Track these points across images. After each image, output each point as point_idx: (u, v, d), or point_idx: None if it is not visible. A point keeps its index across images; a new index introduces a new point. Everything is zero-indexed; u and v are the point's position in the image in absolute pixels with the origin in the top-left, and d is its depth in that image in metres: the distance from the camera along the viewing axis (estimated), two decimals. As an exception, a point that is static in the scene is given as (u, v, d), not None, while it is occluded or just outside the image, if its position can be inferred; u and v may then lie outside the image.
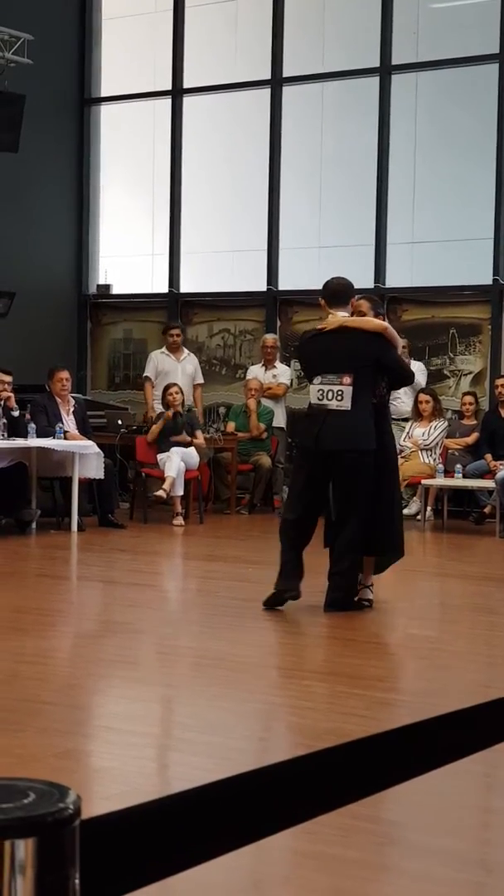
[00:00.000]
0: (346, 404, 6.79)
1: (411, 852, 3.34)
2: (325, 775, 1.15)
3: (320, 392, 6.82)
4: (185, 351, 13.18)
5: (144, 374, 13.21)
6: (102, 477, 11.02)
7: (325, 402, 6.80)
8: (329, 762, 1.17)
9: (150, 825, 0.96)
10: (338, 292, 7.11)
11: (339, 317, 6.96)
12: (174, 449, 11.58)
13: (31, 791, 0.88)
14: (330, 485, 6.79)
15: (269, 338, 13.18)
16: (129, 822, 0.94)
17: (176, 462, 11.42)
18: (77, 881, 0.88)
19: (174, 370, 12.90)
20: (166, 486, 11.35)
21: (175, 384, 12.06)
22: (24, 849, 0.84)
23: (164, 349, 13.14)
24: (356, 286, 13.20)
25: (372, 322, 6.97)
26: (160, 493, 11.35)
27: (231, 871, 3.11)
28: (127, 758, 4.24)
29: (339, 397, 6.78)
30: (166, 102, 14.59)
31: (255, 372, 13.09)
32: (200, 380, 13.23)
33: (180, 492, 11.54)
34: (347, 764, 1.19)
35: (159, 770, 4.32)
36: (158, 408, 12.32)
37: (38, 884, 0.85)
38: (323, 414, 6.81)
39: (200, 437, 11.87)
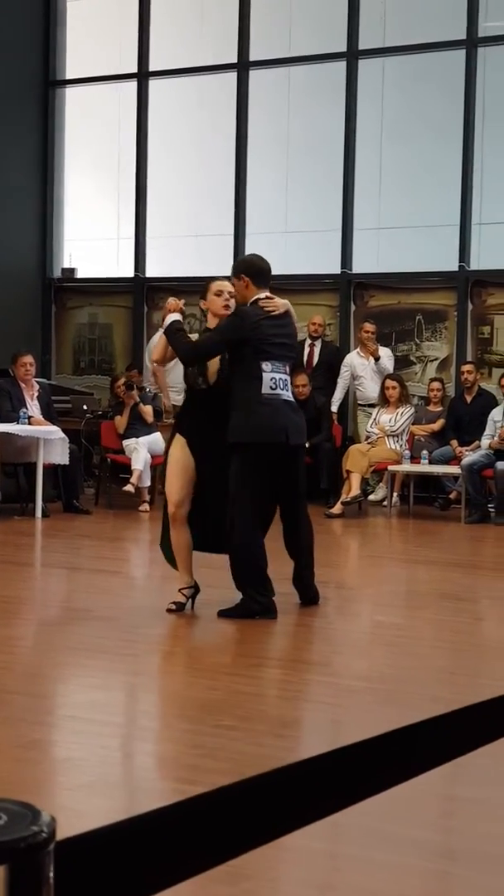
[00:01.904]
0: (291, 395, 6.56)
1: (377, 842, 3.33)
2: (314, 784, 1.12)
3: (273, 381, 6.34)
4: None
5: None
6: (67, 462, 10.97)
7: (277, 391, 6.36)
8: (322, 768, 1.15)
9: (127, 845, 0.93)
10: (265, 271, 6.62)
11: (280, 301, 6.63)
12: (141, 439, 11.56)
13: (1, 813, 0.84)
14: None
15: None
16: (103, 841, 0.90)
17: (143, 454, 11.42)
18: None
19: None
20: (133, 479, 11.35)
21: (123, 377, 12.11)
22: (-5, 875, 0.81)
23: None
24: (323, 272, 13.35)
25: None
26: (129, 487, 11.36)
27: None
28: (92, 747, 4.21)
29: (286, 387, 6.44)
30: (132, 85, 14.49)
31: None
32: None
33: (147, 483, 11.54)
34: (338, 771, 1.17)
35: (124, 760, 4.29)
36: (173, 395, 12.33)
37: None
38: (281, 405, 6.38)
39: (149, 409, 11.87)
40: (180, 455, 6.48)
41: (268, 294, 6.56)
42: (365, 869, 3.19)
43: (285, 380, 6.47)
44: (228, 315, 6.48)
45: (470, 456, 11.35)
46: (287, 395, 6.47)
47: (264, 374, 6.32)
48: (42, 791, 3.81)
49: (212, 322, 6.60)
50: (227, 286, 6.61)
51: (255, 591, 6.37)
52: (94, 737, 4.34)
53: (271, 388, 6.33)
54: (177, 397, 12.88)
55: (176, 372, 12.69)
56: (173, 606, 6.53)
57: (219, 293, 6.57)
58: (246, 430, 6.33)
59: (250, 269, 6.60)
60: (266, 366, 6.33)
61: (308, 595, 6.74)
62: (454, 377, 12.60)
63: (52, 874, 0.83)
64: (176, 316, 6.58)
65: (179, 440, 6.51)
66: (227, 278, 6.76)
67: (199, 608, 6.61)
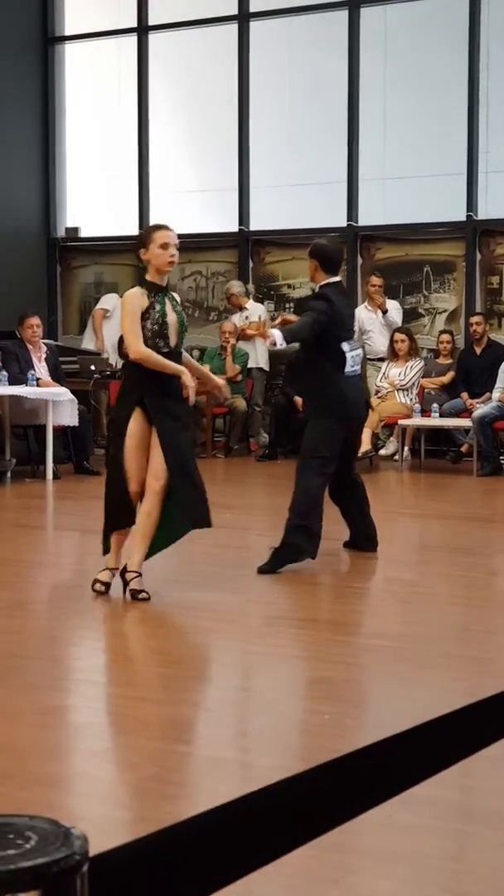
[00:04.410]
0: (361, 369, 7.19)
1: (394, 802, 3.32)
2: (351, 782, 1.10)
3: (353, 359, 6.83)
4: None
5: (100, 306, 13.37)
6: (77, 424, 10.94)
7: (356, 368, 6.89)
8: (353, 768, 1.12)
9: (160, 858, 0.90)
10: (336, 261, 6.97)
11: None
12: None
13: (31, 832, 0.81)
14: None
15: (235, 285, 13.18)
16: (137, 856, 0.87)
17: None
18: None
19: None
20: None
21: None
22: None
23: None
24: (329, 225, 13.23)
25: None
26: None
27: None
28: (108, 713, 4.21)
29: (359, 363, 7.00)
30: (132, 40, 14.32)
31: (233, 318, 13.05)
32: None
33: (158, 443, 11.53)
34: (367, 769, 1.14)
35: (140, 725, 4.29)
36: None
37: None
38: (357, 381, 7.02)
39: None
40: (137, 429, 5.89)
41: (329, 279, 6.82)
42: (383, 829, 3.18)
43: (359, 355, 7.03)
44: (314, 297, 6.88)
45: (481, 408, 11.29)
46: (359, 370, 7.04)
47: (347, 355, 6.76)
48: (63, 758, 3.81)
49: (153, 276, 6.00)
50: (175, 238, 6.11)
51: (299, 539, 6.56)
52: (109, 701, 4.35)
53: (352, 366, 6.80)
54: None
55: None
56: (103, 589, 6.00)
57: (165, 246, 5.99)
58: (341, 406, 6.72)
59: (319, 254, 6.83)
60: (345, 346, 6.77)
61: (373, 542, 7.07)
62: (463, 329, 12.51)
63: (86, 894, 0.80)
64: (275, 334, 6.48)
65: (138, 414, 5.90)
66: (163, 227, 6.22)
67: (209, 568, 6.60)
